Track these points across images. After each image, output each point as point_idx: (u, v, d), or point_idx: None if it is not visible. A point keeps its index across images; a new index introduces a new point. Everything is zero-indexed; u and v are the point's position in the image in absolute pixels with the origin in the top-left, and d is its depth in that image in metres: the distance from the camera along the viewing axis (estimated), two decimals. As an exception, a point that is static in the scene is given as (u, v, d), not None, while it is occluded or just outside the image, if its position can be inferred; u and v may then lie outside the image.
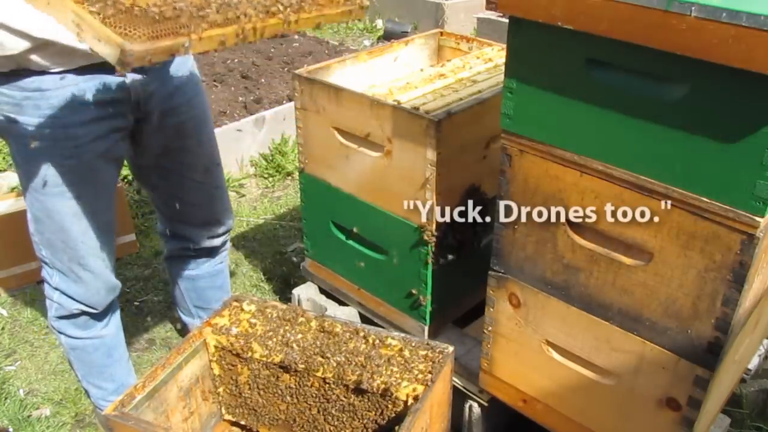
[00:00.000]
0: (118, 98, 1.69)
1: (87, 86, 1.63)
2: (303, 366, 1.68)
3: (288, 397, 1.74)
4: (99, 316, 1.95)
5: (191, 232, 2.12)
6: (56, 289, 1.85)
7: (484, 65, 2.23)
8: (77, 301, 1.86)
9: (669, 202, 1.26)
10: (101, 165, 1.72)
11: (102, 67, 1.62)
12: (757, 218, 1.16)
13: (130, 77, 1.69)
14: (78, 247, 1.78)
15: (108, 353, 2.02)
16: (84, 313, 1.90)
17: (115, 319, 2.03)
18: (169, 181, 1.99)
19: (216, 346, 1.74)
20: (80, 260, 1.80)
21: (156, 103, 1.79)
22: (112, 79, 1.66)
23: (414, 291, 1.97)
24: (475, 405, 1.88)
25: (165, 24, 1.30)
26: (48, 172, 1.66)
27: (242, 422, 1.80)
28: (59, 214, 1.72)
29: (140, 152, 1.89)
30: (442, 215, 1.85)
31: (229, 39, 1.38)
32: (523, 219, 1.51)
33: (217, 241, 2.19)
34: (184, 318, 2.40)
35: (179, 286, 2.28)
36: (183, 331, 2.50)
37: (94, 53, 1.26)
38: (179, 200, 2.03)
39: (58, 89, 1.60)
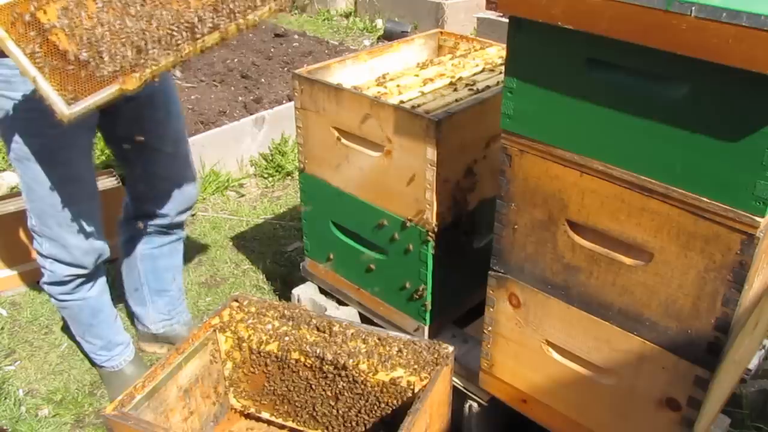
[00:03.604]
0: None
1: None
2: (302, 365, 1.68)
3: (287, 396, 1.74)
4: (86, 280, 2.09)
5: (160, 208, 2.21)
6: (47, 257, 2.00)
7: (484, 65, 2.23)
8: (67, 264, 2.00)
9: (669, 202, 1.26)
10: (80, 132, 1.84)
11: None
12: (757, 218, 1.15)
13: None
14: (67, 209, 1.91)
15: (93, 314, 2.17)
16: (74, 277, 2.05)
17: (100, 284, 2.16)
18: (141, 153, 2.08)
19: (216, 346, 1.74)
20: (68, 223, 1.93)
21: None
22: None
23: (414, 290, 1.97)
24: (475, 405, 1.88)
25: (99, 80, 1.47)
26: (35, 141, 1.83)
27: (246, 412, 1.80)
28: (48, 179, 1.86)
29: (113, 122, 1.99)
30: (443, 215, 1.85)
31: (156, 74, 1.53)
32: (523, 219, 1.51)
33: (183, 216, 2.30)
34: (136, 309, 2.45)
35: (138, 268, 2.35)
36: (137, 324, 2.50)
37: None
38: (151, 174, 2.13)
39: None
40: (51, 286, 2.08)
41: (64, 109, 1.44)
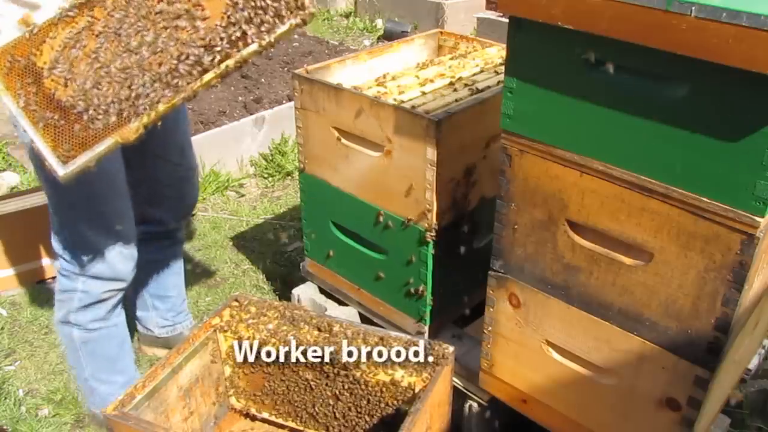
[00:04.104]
0: None
1: None
2: (302, 366, 1.68)
3: (287, 396, 1.74)
4: (117, 302, 1.98)
5: (161, 214, 2.17)
6: (80, 275, 1.87)
7: (484, 65, 2.23)
8: (105, 279, 1.89)
9: (669, 202, 1.26)
10: None
11: None
12: (757, 218, 1.15)
13: None
14: (100, 210, 1.81)
15: (120, 344, 2.05)
16: (113, 294, 1.92)
17: (123, 309, 2.06)
18: (146, 161, 2.03)
19: (216, 346, 1.74)
20: (103, 226, 1.83)
21: None
22: None
23: (414, 290, 1.97)
24: (475, 405, 1.88)
25: (93, 133, 1.39)
26: None
27: (248, 412, 1.80)
28: (81, 182, 1.74)
29: None
30: (443, 215, 1.85)
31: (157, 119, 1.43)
32: (523, 219, 1.51)
33: (182, 222, 2.28)
34: (138, 313, 2.42)
35: (137, 274, 2.25)
36: (139, 326, 2.48)
37: None
38: (155, 181, 2.09)
39: None
40: (82, 313, 1.92)
41: (59, 169, 1.38)
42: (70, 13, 1.39)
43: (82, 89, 1.38)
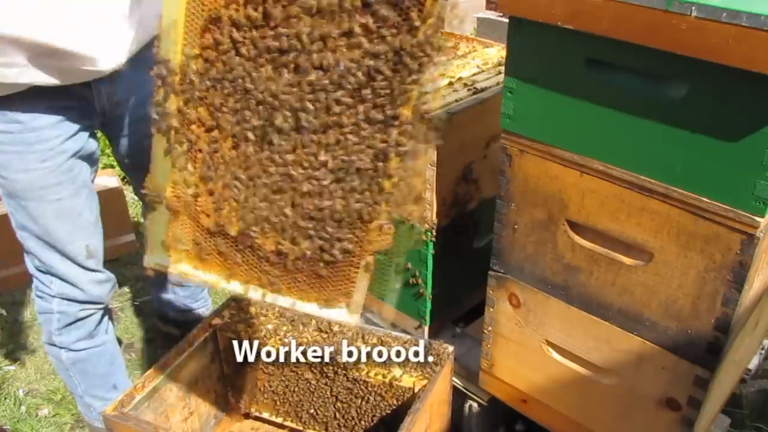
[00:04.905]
0: (82, 96, 1.67)
1: (50, 91, 1.58)
2: (302, 366, 1.68)
3: (287, 396, 1.75)
4: (100, 320, 1.94)
5: None
6: (55, 296, 1.82)
7: (484, 65, 2.23)
8: (80, 302, 1.84)
9: (669, 202, 1.26)
10: (76, 164, 1.71)
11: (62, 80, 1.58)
12: (758, 218, 1.15)
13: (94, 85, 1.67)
14: (66, 249, 1.76)
15: (110, 361, 2.01)
16: (91, 312, 1.88)
17: (112, 326, 2.02)
18: (143, 172, 1.99)
19: (216, 346, 1.74)
20: (74, 258, 1.79)
21: (124, 111, 1.77)
22: (72, 86, 1.63)
23: (414, 290, 1.97)
24: (475, 405, 1.88)
25: (341, 268, 1.12)
26: (25, 177, 1.65)
27: (248, 412, 1.80)
28: (43, 218, 1.71)
29: (116, 147, 1.90)
30: (443, 215, 1.85)
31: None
32: (523, 219, 1.51)
33: None
34: (159, 295, 2.38)
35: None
36: (157, 305, 2.47)
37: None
38: None
39: (22, 95, 1.56)
40: (65, 334, 1.87)
41: (350, 320, 1.15)
42: (183, 146, 1.04)
43: (286, 234, 1.08)
